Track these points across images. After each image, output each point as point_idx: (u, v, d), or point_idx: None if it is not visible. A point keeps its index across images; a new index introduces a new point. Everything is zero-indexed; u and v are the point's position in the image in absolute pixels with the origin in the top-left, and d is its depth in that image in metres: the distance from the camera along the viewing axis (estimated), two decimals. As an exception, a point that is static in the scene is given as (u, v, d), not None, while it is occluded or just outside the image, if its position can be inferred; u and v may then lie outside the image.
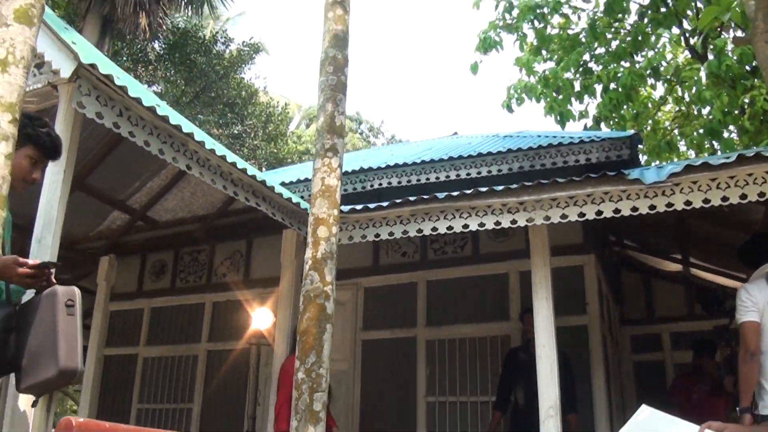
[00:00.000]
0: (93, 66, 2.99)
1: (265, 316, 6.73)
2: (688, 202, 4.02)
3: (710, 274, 7.52)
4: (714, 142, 8.81)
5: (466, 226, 4.45)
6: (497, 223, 4.38)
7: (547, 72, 10.10)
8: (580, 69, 10.65)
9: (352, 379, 6.93)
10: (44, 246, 3.03)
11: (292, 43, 66.43)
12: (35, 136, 2.60)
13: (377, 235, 4.73)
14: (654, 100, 11.21)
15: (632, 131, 6.86)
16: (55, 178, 2.99)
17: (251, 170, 4.23)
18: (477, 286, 6.55)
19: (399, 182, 7.20)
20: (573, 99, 10.37)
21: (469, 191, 4.42)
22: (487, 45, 10.84)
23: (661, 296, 8.18)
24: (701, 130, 8.89)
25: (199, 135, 3.85)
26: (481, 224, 4.42)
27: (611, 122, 10.62)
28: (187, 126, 3.69)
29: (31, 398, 2.63)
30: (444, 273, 6.79)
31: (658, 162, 10.04)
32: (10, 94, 2.24)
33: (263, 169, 17.67)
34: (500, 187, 4.36)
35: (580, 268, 6.28)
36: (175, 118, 3.61)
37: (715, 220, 5.56)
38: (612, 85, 9.61)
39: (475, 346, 6.38)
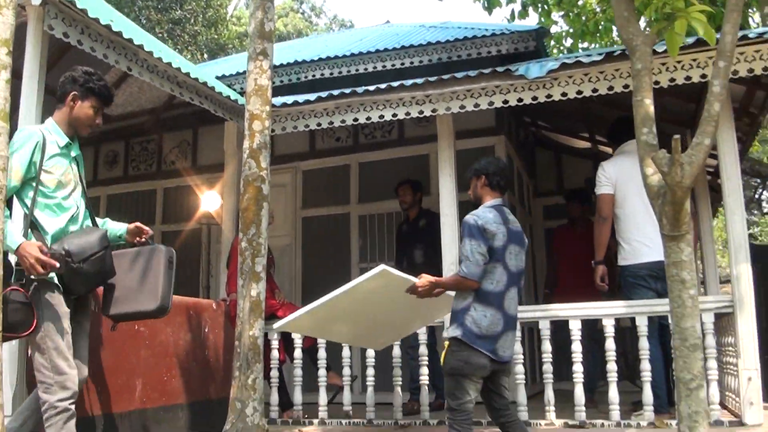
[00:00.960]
0: (57, -5, 3.58)
1: (213, 199, 7.46)
2: (564, 94, 4.83)
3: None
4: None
5: (381, 116, 5.22)
6: (407, 113, 5.15)
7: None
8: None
9: (294, 251, 7.82)
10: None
11: None
12: (96, 89, 3.29)
13: (306, 126, 5.46)
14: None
15: (537, 26, 7.54)
16: (30, 92, 3.64)
17: (194, 73, 4.87)
18: (402, 166, 7.36)
19: (331, 74, 7.84)
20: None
21: (383, 86, 5.15)
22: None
23: (570, 170, 9.16)
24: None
25: (149, 44, 4.47)
26: (394, 115, 5.19)
27: (538, 7, 11.18)
28: (139, 37, 4.30)
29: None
30: (373, 155, 7.57)
31: (585, 45, 10.73)
32: (4, 32, 2.88)
33: (204, 55, 17.82)
34: (409, 82, 5.10)
35: (491, 148, 7.11)
36: (129, 31, 4.21)
37: (615, 105, 6.33)
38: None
39: (400, 218, 7.29)
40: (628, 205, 5.02)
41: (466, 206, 5.84)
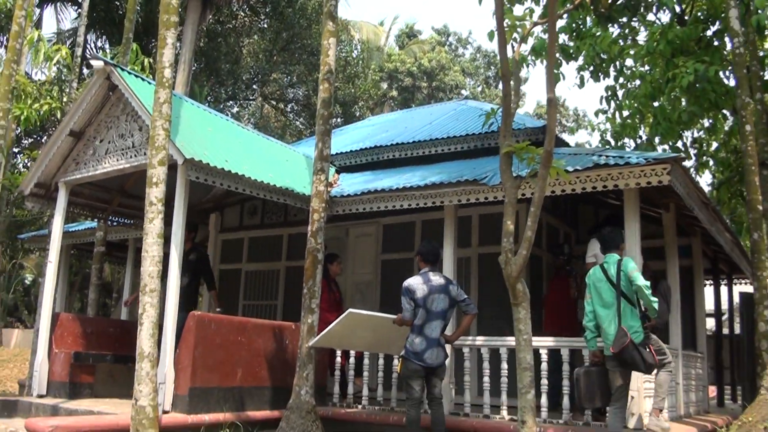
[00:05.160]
0: (192, 158, 6.60)
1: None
2: (523, 194, 7.20)
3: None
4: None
5: (402, 206, 7.89)
6: (417, 204, 7.80)
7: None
8: (574, 34, 13.13)
9: (375, 286, 10.55)
10: (176, 236, 6.79)
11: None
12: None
13: (356, 209, 8.23)
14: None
15: (544, 122, 9.75)
16: (179, 214, 6.70)
17: (280, 182, 7.81)
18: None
19: (400, 155, 10.56)
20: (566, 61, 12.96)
21: (401, 185, 7.80)
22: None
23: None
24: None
25: (252, 168, 7.46)
26: (417, 204, 7.83)
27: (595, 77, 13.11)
28: (243, 167, 7.29)
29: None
30: (433, 215, 10.11)
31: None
32: (159, 229, 5.90)
33: (339, 109, 21.24)
34: (419, 184, 7.72)
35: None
36: (236, 165, 7.22)
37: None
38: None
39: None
40: None
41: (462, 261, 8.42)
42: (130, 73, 7.69)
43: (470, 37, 42.52)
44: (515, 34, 7.20)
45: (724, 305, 13.51)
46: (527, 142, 5.93)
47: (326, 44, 7.94)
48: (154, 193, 6.02)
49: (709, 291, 12.37)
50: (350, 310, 6.43)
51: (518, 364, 5.61)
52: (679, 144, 13.68)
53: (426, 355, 6.17)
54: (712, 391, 11.92)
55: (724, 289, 13.35)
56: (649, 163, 6.63)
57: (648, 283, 5.88)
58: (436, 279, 6.37)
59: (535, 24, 6.71)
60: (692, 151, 14.85)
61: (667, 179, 6.61)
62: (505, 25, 6.86)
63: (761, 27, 8.82)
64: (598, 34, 11.21)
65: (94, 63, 7.45)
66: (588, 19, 12.39)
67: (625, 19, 10.83)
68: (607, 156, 7.15)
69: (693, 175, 14.17)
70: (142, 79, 7.79)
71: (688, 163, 14.05)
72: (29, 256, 26.14)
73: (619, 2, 8.17)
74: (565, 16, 12.64)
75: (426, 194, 7.77)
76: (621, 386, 5.99)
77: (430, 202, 7.78)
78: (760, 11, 8.77)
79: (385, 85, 34.31)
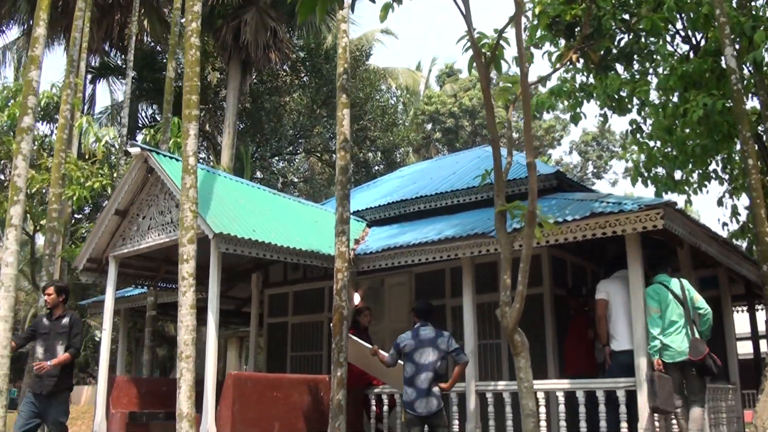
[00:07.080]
0: (221, 232, 7.34)
1: (356, 297, 10.97)
2: (519, 245, 7.65)
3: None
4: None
5: (420, 260, 8.43)
6: (434, 258, 8.35)
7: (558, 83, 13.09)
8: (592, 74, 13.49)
9: (410, 332, 11.05)
10: (212, 303, 7.49)
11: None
12: None
13: (380, 265, 8.83)
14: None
15: (557, 168, 10.16)
16: (213, 283, 7.41)
17: (305, 246, 8.46)
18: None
19: (425, 207, 11.13)
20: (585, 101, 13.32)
21: (418, 240, 8.36)
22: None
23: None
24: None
25: (279, 235, 8.13)
26: (434, 258, 8.38)
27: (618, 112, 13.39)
28: (271, 235, 7.98)
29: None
30: (460, 262, 10.62)
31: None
32: (190, 269, 6.60)
33: (379, 155, 22.02)
34: (436, 238, 8.26)
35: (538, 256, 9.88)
36: (265, 233, 7.91)
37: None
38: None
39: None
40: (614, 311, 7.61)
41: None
42: (164, 155, 8.52)
43: (510, 70, 42.51)
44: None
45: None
46: (517, 201, 6.42)
47: (340, 115, 8.61)
48: (186, 269, 6.75)
49: (744, 317, 12.45)
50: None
51: (522, 410, 6.04)
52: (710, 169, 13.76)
53: (416, 404, 6.78)
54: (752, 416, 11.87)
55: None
56: (642, 209, 7.02)
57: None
58: (426, 333, 7.02)
59: (532, 84, 7.21)
60: (724, 177, 14.91)
61: (660, 223, 6.97)
62: (499, 87, 7.48)
63: (758, 63, 9.10)
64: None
65: (132, 150, 8.31)
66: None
67: (621, 67, 11.22)
68: (606, 203, 7.55)
69: (728, 200, 14.42)
70: (177, 160, 8.59)
71: (721, 189, 14.08)
72: (97, 316, 27.52)
73: (609, 57, 8.57)
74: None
75: (441, 248, 8.32)
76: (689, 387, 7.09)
77: (446, 255, 8.32)
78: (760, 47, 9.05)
79: (428, 127, 35.02)
